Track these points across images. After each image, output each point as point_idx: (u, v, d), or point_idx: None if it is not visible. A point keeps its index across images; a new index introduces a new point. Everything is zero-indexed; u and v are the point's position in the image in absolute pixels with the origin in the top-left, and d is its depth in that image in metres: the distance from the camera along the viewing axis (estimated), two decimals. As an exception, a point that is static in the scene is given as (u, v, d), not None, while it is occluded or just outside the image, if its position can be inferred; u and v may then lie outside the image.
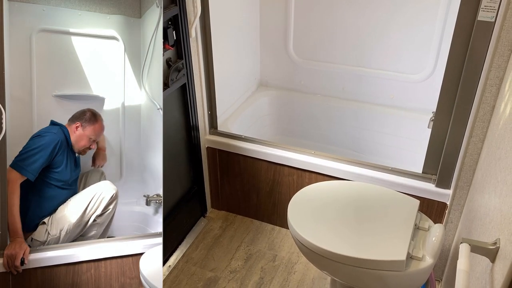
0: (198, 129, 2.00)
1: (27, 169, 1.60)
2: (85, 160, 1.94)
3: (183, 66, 1.77)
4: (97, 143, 1.86)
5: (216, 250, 2.05)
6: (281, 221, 2.15)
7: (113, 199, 1.75)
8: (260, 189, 2.10)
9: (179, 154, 1.96)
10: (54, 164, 1.70)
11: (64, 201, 1.76)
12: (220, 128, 2.11)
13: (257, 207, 2.18)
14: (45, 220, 1.71)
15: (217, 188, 2.22)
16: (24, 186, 1.60)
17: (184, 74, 1.79)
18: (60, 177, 1.73)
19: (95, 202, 1.72)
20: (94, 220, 1.74)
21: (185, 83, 1.83)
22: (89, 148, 1.82)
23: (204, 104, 2.01)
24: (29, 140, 1.67)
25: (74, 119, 1.76)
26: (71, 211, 1.71)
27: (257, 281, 1.89)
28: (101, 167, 1.98)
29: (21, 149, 1.65)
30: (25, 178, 1.59)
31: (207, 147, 2.10)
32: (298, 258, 1.99)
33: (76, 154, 1.82)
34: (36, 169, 1.62)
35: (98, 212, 1.73)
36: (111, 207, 1.75)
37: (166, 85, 1.71)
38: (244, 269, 1.95)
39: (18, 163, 1.59)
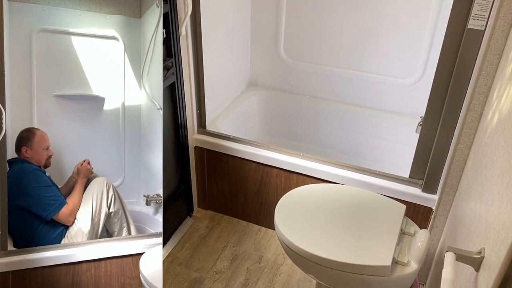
0: (186, 128, 1.98)
1: (61, 197, 1.67)
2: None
3: (172, 64, 1.75)
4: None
5: (202, 250, 2.04)
6: (268, 222, 2.15)
7: (108, 186, 1.77)
8: (247, 189, 2.10)
9: (167, 152, 1.95)
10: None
11: None
12: (209, 127, 2.09)
13: (244, 208, 2.17)
14: (62, 242, 1.70)
15: (204, 187, 2.21)
16: (29, 224, 1.62)
17: (173, 73, 1.78)
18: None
19: (97, 203, 1.72)
20: (110, 214, 1.75)
21: (174, 82, 1.81)
22: (49, 157, 1.80)
23: (193, 103, 1.99)
24: (28, 184, 1.67)
25: (18, 147, 1.74)
26: (80, 224, 1.70)
27: (242, 282, 1.88)
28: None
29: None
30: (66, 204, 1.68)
31: (195, 146, 2.09)
32: (284, 259, 1.98)
33: (47, 174, 1.81)
34: (59, 193, 1.70)
35: (105, 208, 1.74)
36: (110, 193, 1.76)
37: (154, 84, 1.69)
38: (229, 270, 1.94)
39: (54, 204, 1.65)
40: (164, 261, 1.97)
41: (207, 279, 1.89)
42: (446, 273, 0.86)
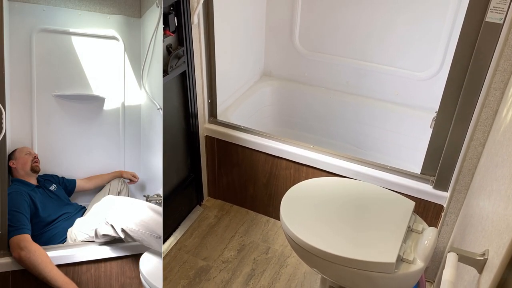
0: (197, 117, 1.98)
1: (21, 225, 1.50)
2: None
3: (183, 53, 1.75)
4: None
5: (209, 239, 2.05)
6: (277, 213, 2.14)
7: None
8: (257, 180, 2.09)
9: (177, 141, 1.95)
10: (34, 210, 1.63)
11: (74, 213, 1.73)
12: (220, 117, 2.09)
13: (253, 198, 2.17)
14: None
15: (214, 177, 2.21)
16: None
17: (184, 61, 1.77)
18: (45, 216, 1.67)
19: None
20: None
21: (185, 70, 1.80)
22: (35, 162, 1.75)
23: (204, 92, 1.99)
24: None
25: (8, 165, 1.68)
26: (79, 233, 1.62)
27: (248, 272, 1.88)
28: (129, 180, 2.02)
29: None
30: (27, 235, 1.48)
31: (206, 135, 2.09)
32: (291, 251, 1.98)
33: (52, 187, 1.77)
34: (24, 222, 1.52)
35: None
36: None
37: (165, 72, 1.68)
38: (236, 259, 1.94)
39: (10, 230, 1.46)
40: (172, 249, 1.99)
41: (213, 268, 1.90)
42: (447, 274, 0.84)
